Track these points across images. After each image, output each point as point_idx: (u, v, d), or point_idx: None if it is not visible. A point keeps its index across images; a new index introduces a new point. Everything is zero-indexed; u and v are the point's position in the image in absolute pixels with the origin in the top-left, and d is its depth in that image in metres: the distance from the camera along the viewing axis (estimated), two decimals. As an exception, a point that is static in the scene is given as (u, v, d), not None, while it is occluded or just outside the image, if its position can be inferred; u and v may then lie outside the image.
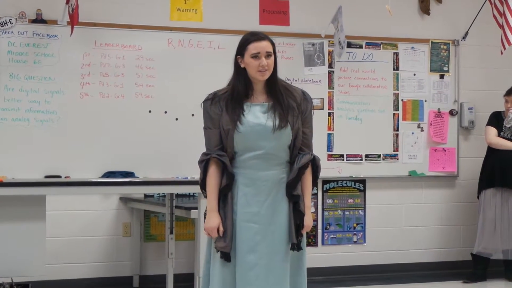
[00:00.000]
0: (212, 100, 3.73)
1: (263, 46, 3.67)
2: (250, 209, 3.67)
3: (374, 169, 7.41)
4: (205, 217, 3.75)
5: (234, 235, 3.67)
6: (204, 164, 3.71)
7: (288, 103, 3.71)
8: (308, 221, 3.75)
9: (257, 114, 3.69)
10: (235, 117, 3.66)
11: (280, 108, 3.69)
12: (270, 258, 3.65)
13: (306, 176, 3.77)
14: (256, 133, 3.65)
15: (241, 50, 3.71)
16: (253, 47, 3.66)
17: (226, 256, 3.65)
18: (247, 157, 3.68)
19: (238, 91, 3.70)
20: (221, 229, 3.65)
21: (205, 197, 3.78)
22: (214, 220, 3.67)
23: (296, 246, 3.70)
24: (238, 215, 3.68)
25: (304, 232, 3.75)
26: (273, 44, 3.73)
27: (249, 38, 3.70)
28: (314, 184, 3.85)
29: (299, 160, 3.71)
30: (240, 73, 3.72)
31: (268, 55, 3.67)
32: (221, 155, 3.67)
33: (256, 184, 3.67)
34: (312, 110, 3.82)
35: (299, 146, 3.73)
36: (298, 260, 3.78)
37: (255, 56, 3.66)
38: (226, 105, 3.69)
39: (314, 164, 3.79)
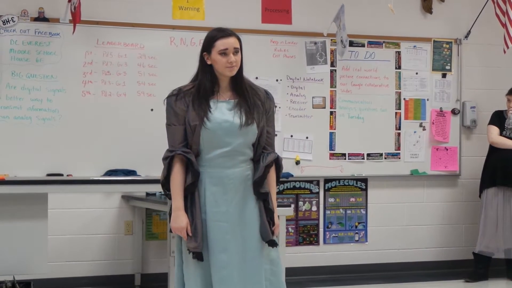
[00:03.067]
0: (177, 96, 3.69)
1: (231, 42, 3.64)
2: (219, 209, 3.64)
3: (376, 168, 7.40)
4: (169, 216, 3.71)
5: (205, 235, 3.63)
6: (169, 161, 3.65)
7: (253, 101, 3.70)
8: (276, 220, 3.74)
9: (223, 111, 3.65)
10: (202, 113, 3.62)
11: (246, 105, 3.67)
12: (242, 256, 3.63)
13: (271, 176, 3.76)
14: (223, 129, 3.62)
15: (207, 46, 3.68)
16: (221, 44, 3.63)
17: (199, 256, 3.61)
18: (214, 156, 3.64)
19: (205, 87, 3.67)
20: (189, 229, 3.61)
21: (167, 195, 3.73)
22: (182, 220, 3.61)
23: (272, 243, 3.68)
24: (208, 214, 3.64)
25: (276, 231, 3.73)
26: (240, 41, 3.70)
27: (216, 34, 3.67)
28: (277, 183, 3.83)
29: (265, 158, 3.70)
30: (206, 70, 3.69)
31: (236, 51, 3.65)
32: (186, 151, 3.62)
33: (223, 182, 3.64)
34: (275, 110, 3.83)
35: (263, 144, 3.73)
36: (276, 257, 3.75)
37: (223, 52, 3.63)
38: (193, 101, 3.64)
39: (278, 164, 3.78)
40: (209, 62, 3.68)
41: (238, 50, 3.66)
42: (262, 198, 3.70)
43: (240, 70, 3.71)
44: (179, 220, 3.62)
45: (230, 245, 3.62)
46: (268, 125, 3.76)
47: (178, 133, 3.66)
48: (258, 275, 3.66)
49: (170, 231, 3.70)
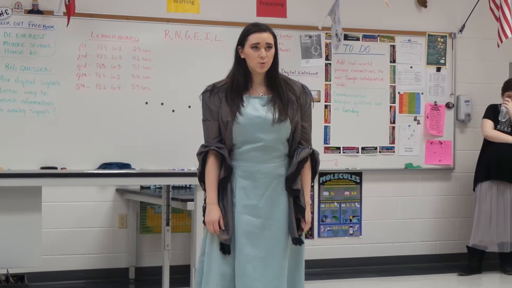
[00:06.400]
0: (211, 92, 3.70)
1: (264, 37, 3.65)
2: (249, 202, 3.65)
3: (370, 161, 7.41)
4: (204, 210, 3.73)
5: (233, 228, 3.65)
6: (203, 156, 3.68)
7: (287, 97, 3.69)
8: (307, 217, 3.73)
9: (256, 107, 3.66)
10: (235, 108, 3.64)
11: (280, 101, 3.67)
12: (269, 251, 3.64)
13: (305, 171, 3.74)
14: (255, 125, 3.63)
15: (242, 40, 3.69)
16: (253, 38, 3.64)
17: (227, 249, 3.63)
18: (246, 150, 3.65)
19: (238, 82, 3.68)
20: (222, 222, 3.64)
21: (204, 189, 3.76)
22: (214, 214, 3.65)
23: (297, 241, 3.68)
24: (237, 207, 3.66)
25: (306, 228, 3.73)
26: (274, 37, 3.70)
27: (250, 28, 3.68)
28: (313, 179, 3.82)
29: (298, 154, 3.68)
30: (240, 64, 3.70)
31: (268, 46, 3.65)
32: (220, 147, 3.65)
33: (254, 177, 3.65)
34: (312, 104, 3.80)
35: (298, 139, 3.71)
36: (297, 254, 3.76)
37: (255, 47, 3.63)
38: (226, 96, 3.66)
39: (313, 158, 3.77)
40: (242, 56, 3.68)
41: (271, 46, 3.66)
42: (294, 194, 3.69)
43: (275, 66, 3.71)
44: (212, 214, 3.65)
45: (258, 239, 3.63)
46: (304, 120, 3.74)
47: (212, 129, 3.68)
48: (282, 271, 3.67)
49: (204, 223, 3.72)
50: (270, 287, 3.63)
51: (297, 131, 3.70)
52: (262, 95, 3.70)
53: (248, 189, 3.66)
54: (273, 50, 3.67)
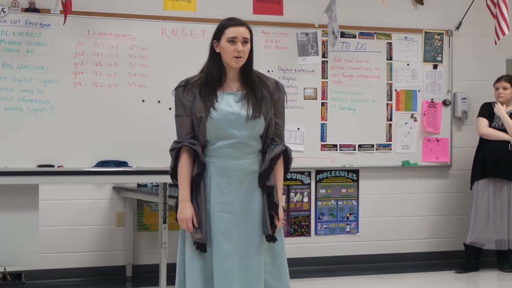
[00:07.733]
0: (184, 87, 3.67)
1: (241, 31, 3.63)
2: (223, 199, 3.63)
3: (367, 159, 7.41)
4: (176, 207, 3.70)
5: (208, 225, 3.63)
6: (176, 152, 3.65)
7: (261, 93, 3.67)
8: (280, 214, 3.72)
9: (230, 103, 3.64)
10: (209, 103, 3.61)
11: (254, 98, 3.65)
12: (244, 248, 3.63)
13: (278, 168, 3.73)
14: (229, 121, 3.61)
15: (218, 34, 3.67)
16: (230, 32, 3.62)
17: (202, 247, 3.61)
18: (219, 146, 3.63)
19: (212, 76, 3.65)
20: (195, 220, 3.62)
21: (175, 186, 3.73)
22: (187, 211, 3.62)
23: (270, 238, 3.68)
24: (212, 204, 3.64)
25: (279, 225, 3.71)
26: (251, 32, 3.68)
27: (227, 23, 3.67)
28: (285, 175, 3.81)
29: (271, 150, 3.67)
30: (215, 58, 3.68)
31: (244, 41, 3.63)
32: (193, 143, 3.61)
33: (229, 173, 3.63)
34: (285, 101, 3.78)
35: (271, 136, 3.71)
36: (275, 249, 3.74)
37: (232, 40, 3.61)
38: (199, 91, 3.63)
39: (286, 155, 3.76)
40: (218, 50, 3.66)
41: (247, 41, 3.64)
42: (267, 191, 3.67)
43: (249, 62, 3.69)
44: (185, 211, 3.63)
45: (233, 236, 3.62)
46: (277, 116, 3.73)
47: (185, 125, 3.65)
48: (258, 268, 3.66)
49: (176, 220, 3.69)
50: (246, 283, 3.62)
51: (271, 127, 3.68)
52: (235, 91, 3.68)
53: (222, 186, 3.63)
54: (249, 46, 3.65)
